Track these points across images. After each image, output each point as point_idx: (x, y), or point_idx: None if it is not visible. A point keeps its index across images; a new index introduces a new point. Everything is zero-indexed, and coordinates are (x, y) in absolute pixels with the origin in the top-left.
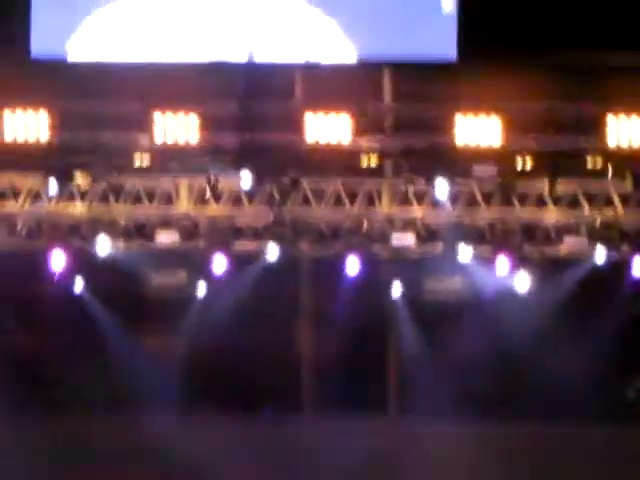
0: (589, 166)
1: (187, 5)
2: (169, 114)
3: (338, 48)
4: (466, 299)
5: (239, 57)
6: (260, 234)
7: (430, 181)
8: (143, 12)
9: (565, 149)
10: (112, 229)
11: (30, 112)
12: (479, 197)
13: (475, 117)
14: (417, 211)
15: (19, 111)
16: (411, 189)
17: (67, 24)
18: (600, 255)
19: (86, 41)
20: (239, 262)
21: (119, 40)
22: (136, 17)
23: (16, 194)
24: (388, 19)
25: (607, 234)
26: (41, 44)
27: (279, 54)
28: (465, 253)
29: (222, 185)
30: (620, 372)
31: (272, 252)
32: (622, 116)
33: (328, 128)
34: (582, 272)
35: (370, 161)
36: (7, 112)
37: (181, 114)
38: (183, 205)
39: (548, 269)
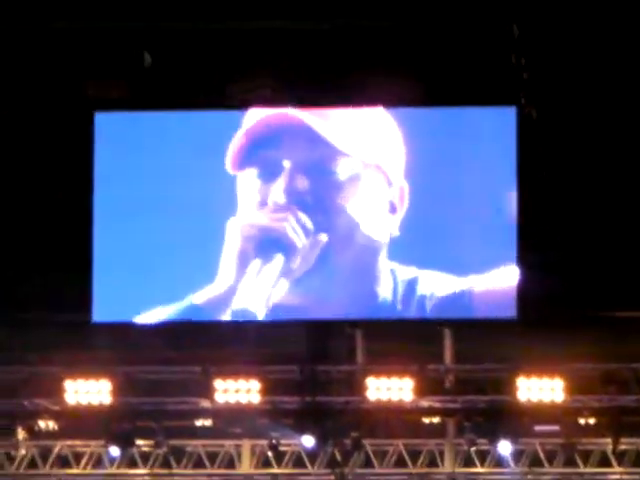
0: None
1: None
2: (230, 381)
3: None
4: None
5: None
6: None
7: (493, 441)
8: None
9: (627, 406)
10: None
11: (92, 381)
12: (542, 456)
13: (538, 379)
14: (480, 471)
15: (80, 380)
16: (473, 449)
17: (129, 291)
18: None
19: (146, 305)
20: None
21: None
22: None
23: (77, 459)
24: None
25: None
26: (102, 310)
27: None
28: None
29: (284, 447)
30: None
31: None
32: None
33: (390, 389)
34: None
35: (432, 421)
36: (69, 382)
37: (242, 381)
38: (245, 468)
39: None
